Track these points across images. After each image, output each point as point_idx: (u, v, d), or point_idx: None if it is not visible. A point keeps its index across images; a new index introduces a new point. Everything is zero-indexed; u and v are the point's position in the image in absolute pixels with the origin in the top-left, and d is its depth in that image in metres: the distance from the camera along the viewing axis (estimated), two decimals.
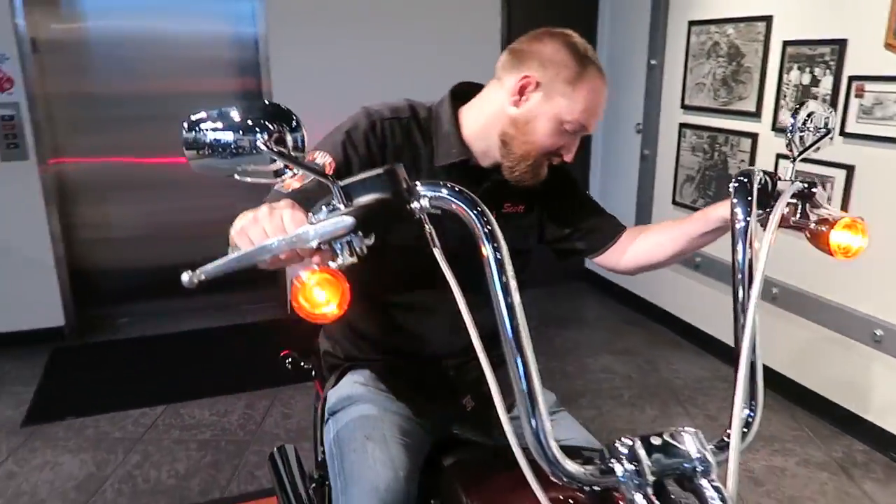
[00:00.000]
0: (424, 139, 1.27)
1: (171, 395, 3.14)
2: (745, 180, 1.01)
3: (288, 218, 0.84)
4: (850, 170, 2.73)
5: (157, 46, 3.73)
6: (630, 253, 1.41)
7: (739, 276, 0.97)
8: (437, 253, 0.83)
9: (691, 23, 3.52)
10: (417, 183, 0.86)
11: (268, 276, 4.17)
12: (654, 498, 0.80)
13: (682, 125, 3.64)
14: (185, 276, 0.80)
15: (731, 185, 1.03)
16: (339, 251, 0.80)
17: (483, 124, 1.25)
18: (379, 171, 0.82)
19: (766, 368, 2.69)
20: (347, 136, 1.21)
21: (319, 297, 0.77)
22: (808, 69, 2.88)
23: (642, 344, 3.77)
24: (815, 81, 2.85)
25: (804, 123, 1.10)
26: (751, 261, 0.97)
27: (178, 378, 3.34)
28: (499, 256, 0.82)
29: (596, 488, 0.88)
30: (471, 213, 0.84)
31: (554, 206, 1.39)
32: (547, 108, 1.18)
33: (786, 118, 3.00)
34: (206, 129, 0.83)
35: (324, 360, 1.45)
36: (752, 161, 3.22)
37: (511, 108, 1.20)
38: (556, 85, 1.17)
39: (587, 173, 4.51)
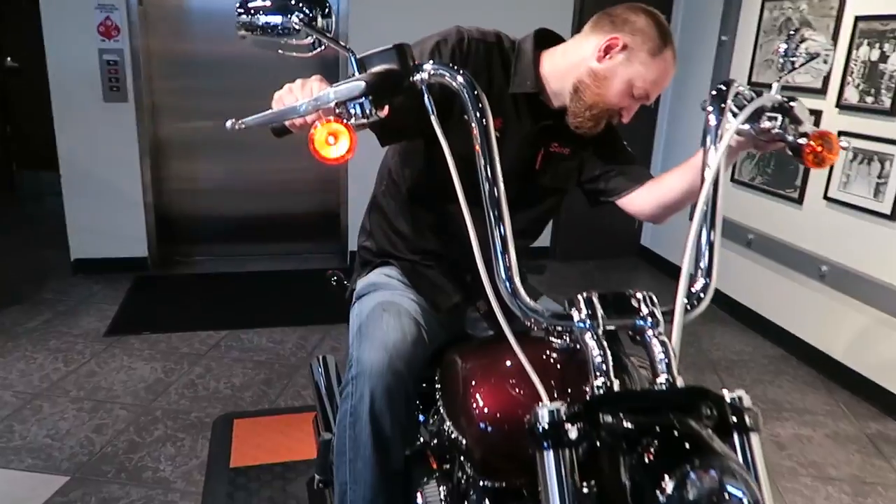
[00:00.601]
0: (504, 66, 1.40)
1: (235, 322, 3.43)
2: (724, 89, 1.10)
3: (316, 87, 1.01)
4: None
5: None
6: (649, 195, 1.49)
7: (706, 170, 1.05)
8: (434, 121, 0.97)
9: None
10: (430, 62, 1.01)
11: (332, 230, 4.43)
12: (604, 341, 0.92)
13: None
14: (229, 123, 0.98)
15: (710, 92, 1.12)
16: (352, 112, 0.96)
17: (562, 68, 1.38)
18: (389, 46, 0.97)
19: (806, 345, 2.75)
20: (436, 45, 1.35)
21: (330, 142, 0.93)
22: (877, 45, 2.83)
23: None
24: (884, 57, 2.80)
25: (796, 48, 1.17)
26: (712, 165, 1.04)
27: (242, 309, 3.62)
28: (484, 123, 0.96)
29: (568, 345, 1.01)
30: (467, 93, 0.98)
31: (593, 151, 1.51)
32: (625, 70, 1.31)
33: (851, 95, 2.96)
34: (257, 12, 1.00)
35: (359, 256, 1.62)
36: None
37: (594, 62, 1.33)
38: (639, 53, 1.30)
39: (650, 149, 4.52)
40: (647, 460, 0.76)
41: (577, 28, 4.05)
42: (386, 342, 1.25)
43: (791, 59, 1.18)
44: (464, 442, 1.05)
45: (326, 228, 4.46)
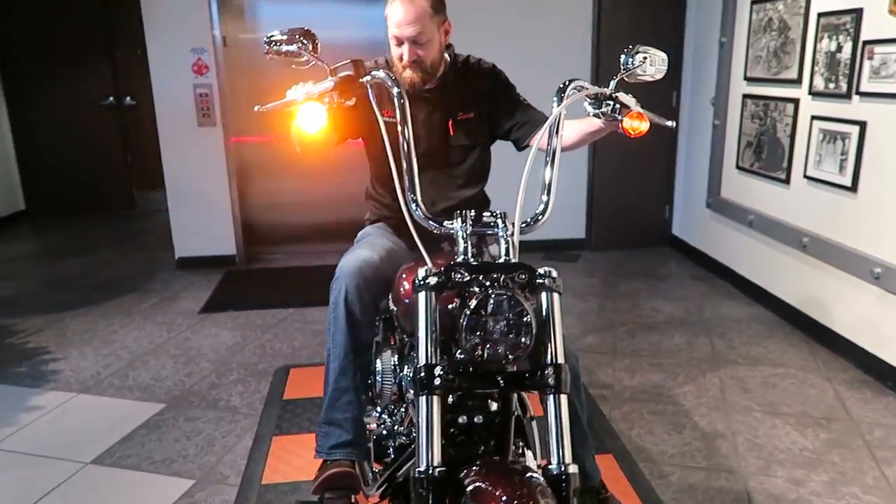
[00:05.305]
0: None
1: (300, 302, 4.15)
2: (564, 85, 1.59)
3: (311, 84, 1.60)
4: (863, 125, 3.00)
5: None
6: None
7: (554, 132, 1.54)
8: (375, 108, 1.55)
9: (753, 1, 3.86)
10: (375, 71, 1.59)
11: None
12: (469, 239, 1.45)
13: (745, 96, 3.98)
14: (256, 107, 1.59)
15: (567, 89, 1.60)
16: (326, 101, 1.55)
17: None
18: (347, 61, 1.57)
19: (794, 310, 3.36)
20: (374, 62, 1.95)
21: (306, 121, 1.51)
22: (835, 37, 3.17)
23: (699, 294, 4.15)
24: (840, 48, 3.14)
25: (633, 56, 1.61)
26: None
27: (307, 293, 4.33)
28: (404, 108, 1.53)
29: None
30: (393, 89, 1.55)
31: (496, 110, 2.04)
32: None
33: (819, 83, 3.31)
34: (279, 44, 1.59)
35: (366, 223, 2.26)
36: (794, 125, 3.52)
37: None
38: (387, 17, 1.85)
39: (676, 143, 4.89)
40: (472, 293, 1.30)
41: (597, 30, 4.53)
42: (359, 256, 1.85)
43: (628, 65, 1.62)
44: (396, 311, 1.64)
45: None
